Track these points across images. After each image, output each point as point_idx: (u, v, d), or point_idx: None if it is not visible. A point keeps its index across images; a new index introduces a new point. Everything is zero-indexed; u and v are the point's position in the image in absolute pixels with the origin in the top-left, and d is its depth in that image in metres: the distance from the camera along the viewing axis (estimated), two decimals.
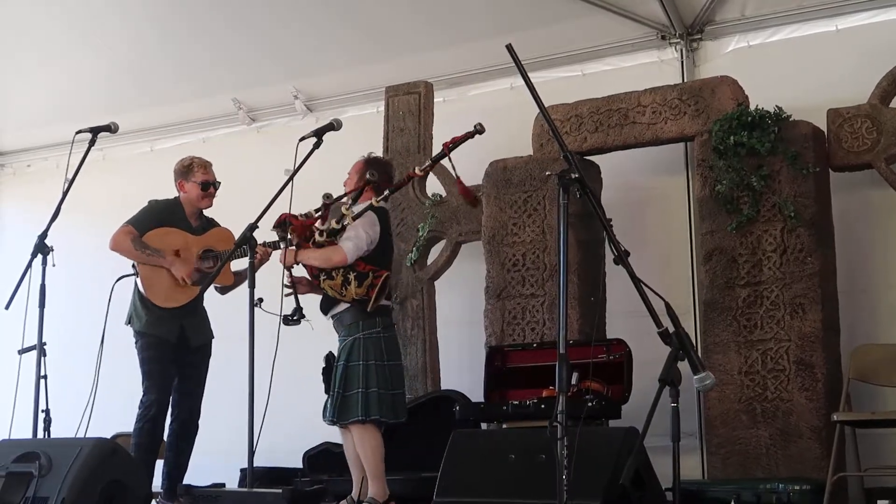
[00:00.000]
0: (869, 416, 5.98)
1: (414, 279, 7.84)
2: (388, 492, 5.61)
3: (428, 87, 8.13)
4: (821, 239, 6.45)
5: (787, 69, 7.16)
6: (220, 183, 6.53)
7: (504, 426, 6.59)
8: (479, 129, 5.93)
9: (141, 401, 6.14)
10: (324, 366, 5.69)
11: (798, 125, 6.58)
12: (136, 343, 6.25)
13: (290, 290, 5.66)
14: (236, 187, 8.33)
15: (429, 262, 7.92)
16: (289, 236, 5.59)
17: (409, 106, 8.11)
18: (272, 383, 5.13)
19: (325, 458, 5.89)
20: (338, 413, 5.55)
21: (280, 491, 4.61)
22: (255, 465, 5.21)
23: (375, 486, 5.57)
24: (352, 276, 5.61)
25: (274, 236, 5.74)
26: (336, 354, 5.71)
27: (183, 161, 6.55)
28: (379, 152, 8.06)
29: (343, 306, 5.69)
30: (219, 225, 6.58)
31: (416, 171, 6.10)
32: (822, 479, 5.85)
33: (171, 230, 6.34)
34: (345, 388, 5.57)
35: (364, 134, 8.16)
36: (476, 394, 6.98)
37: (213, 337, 6.45)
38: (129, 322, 6.29)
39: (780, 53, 7.28)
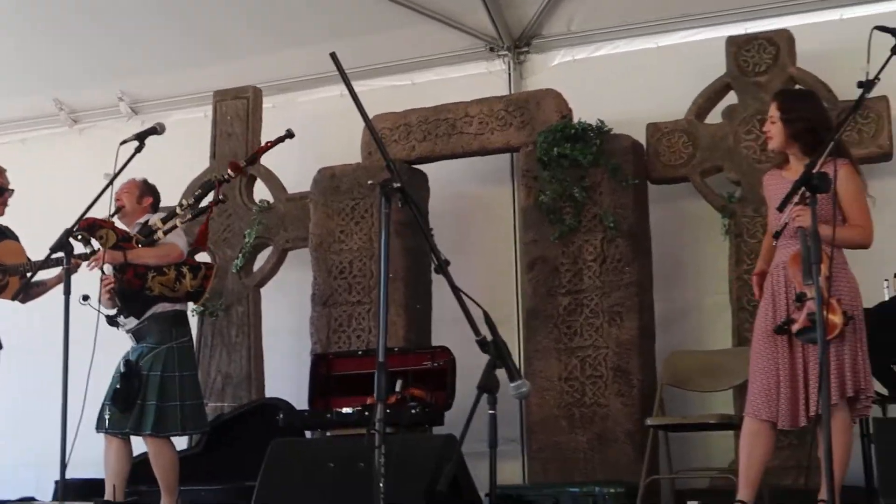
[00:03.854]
0: (680, 420, 6.20)
1: (240, 286, 7.74)
2: None
3: (257, 92, 8.04)
4: (638, 249, 6.66)
5: (610, 84, 7.36)
6: (13, 190, 6.17)
7: (328, 434, 6.57)
8: (289, 134, 6.02)
9: None
10: (124, 372, 5.49)
11: (619, 138, 6.79)
12: None
13: (112, 289, 5.49)
14: (56, 190, 8.08)
15: (255, 268, 7.83)
16: (102, 237, 5.43)
17: (238, 111, 8.01)
18: (87, 393, 4.97)
19: (142, 470, 5.75)
20: (155, 425, 5.40)
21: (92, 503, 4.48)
22: (68, 477, 5.03)
23: (168, 499, 5.46)
24: (185, 270, 5.53)
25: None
26: (136, 361, 5.53)
27: None
28: (206, 157, 7.94)
29: (158, 310, 5.55)
30: (10, 236, 6.24)
31: (229, 173, 6.00)
32: (635, 482, 6.03)
33: None
34: (160, 398, 5.43)
35: (191, 138, 8.03)
36: (301, 401, 6.94)
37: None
38: None
39: (604, 68, 7.48)
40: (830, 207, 4.41)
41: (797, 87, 6.48)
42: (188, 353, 5.60)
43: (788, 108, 4.76)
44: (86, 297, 5.18)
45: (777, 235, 4.67)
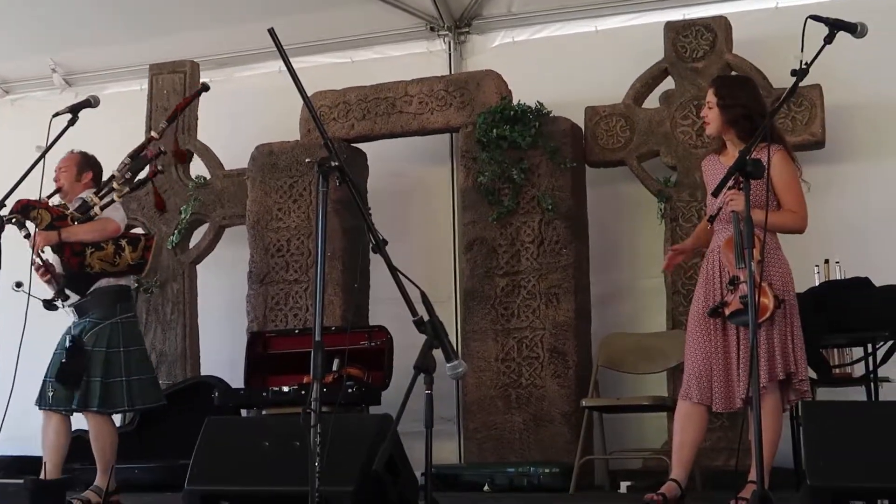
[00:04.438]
0: (614, 401, 6.26)
1: (175, 262, 7.67)
2: (115, 483, 5.44)
3: (194, 66, 7.95)
4: (576, 231, 6.71)
5: (550, 66, 7.39)
6: None
7: (264, 412, 6.55)
8: (204, 88, 5.95)
9: None
10: (69, 347, 5.40)
11: (557, 121, 6.82)
12: None
13: (47, 273, 5.38)
14: None
15: (191, 245, 7.76)
16: (37, 217, 5.31)
17: (174, 85, 7.92)
18: (17, 367, 4.89)
19: (76, 446, 5.68)
20: (102, 402, 5.32)
21: (22, 481, 4.41)
22: (0, 453, 4.96)
23: (102, 478, 5.39)
24: (124, 242, 5.43)
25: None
26: (80, 336, 5.44)
27: None
28: (141, 131, 7.83)
29: (102, 284, 5.46)
30: None
31: (153, 134, 5.94)
32: (570, 462, 6.10)
33: None
34: (105, 374, 5.35)
35: (126, 112, 7.93)
36: (237, 380, 6.90)
37: None
38: None
39: (543, 50, 7.51)
40: (764, 192, 4.47)
41: (733, 73, 6.55)
42: (133, 329, 5.51)
43: (725, 94, 4.80)
44: (19, 284, 5.07)
45: (712, 220, 4.73)
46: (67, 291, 5.36)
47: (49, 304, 5.24)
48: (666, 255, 5.32)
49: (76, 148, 5.73)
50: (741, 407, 4.65)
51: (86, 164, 5.70)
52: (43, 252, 5.33)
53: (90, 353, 5.37)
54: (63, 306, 5.40)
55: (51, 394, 5.34)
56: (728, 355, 4.65)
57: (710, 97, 4.84)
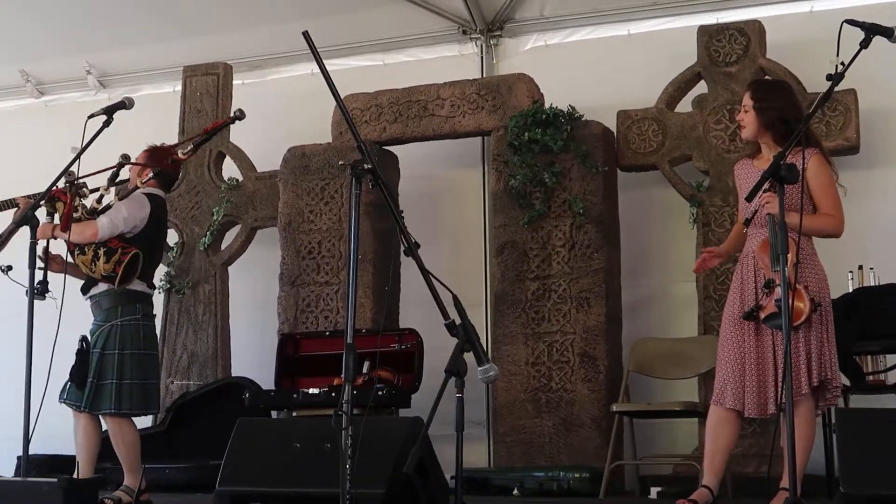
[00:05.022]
0: (645, 406, 6.24)
1: (207, 264, 7.70)
2: (145, 483, 5.46)
3: (227, 68, 7.99)
4: (607, 236, 6.69)
5: (582, 70, 7.38)
6: None
7: (294, 414, 6.56)
8: (238, 116, 5.88)
9: None
10: (79, 348, 5.44)
11: (589, 125, 6.80)
12: None
13: (42, 264, 5.41)
14: (21, 162, 7.98)
15: (223, 246, 7.80)
16: (54, 209, 5.37)
17: (208, 87, 7.96)
18: (52, 366, 4.92)
19: (106, 446, 5.71)
20: (90, 403, 5.36)
21: (56, 480, 4.43)
22: (32, 452, 4.98)
23: (131, 478, 5.43)
24: (101, 252, 5.41)
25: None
26: (90, 338, 5.48)
27: None
28: (175, 132, 7.87)
29: (102, 288, 5.48)
30: None
31: (180, 154, 5.89)
32: (600, 468, 6.07)
33: None
34: (99, 376, 5.38)
35: (159, 113, 7.96)
36: (267, 381, 6.92)
37: None
38: None
39: (576, 54, 7.49)
40: (799, 196, 4.44)
41: (767, 77, 6.51)
42: (134, 332, 5.45)
43: (762, 97, 4.78)
44: (9, 268, 5.10)
45: (748, 223, 4.70)
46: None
47: (34, 292, 5.21)
48: (698, 257, 5.29)
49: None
50: (774, 413, 4.61)
51: (149, 159, 5.70)
52: (46, 243, 5.37)
53: (91, 354, 5.41)
54: (47, 298, 5.37)
55: (67, 389, 5.41)
56: (763, 360, 4.60)
57: (747, 100, 4.81)
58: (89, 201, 5.48)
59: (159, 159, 5.68)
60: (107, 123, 5.43)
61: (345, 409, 3.38)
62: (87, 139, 5.31)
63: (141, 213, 5.51)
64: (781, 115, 4.71)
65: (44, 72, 8.84)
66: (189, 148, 5.82)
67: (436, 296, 3.68)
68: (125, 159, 5.55)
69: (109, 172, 5.61)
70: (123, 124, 5.61)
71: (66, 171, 5.29)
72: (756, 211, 4.59)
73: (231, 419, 5.41)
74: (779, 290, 4.27)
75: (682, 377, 6.40)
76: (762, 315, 4.55)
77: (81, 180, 5.42)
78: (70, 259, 5.54)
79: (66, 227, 5.32)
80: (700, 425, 6.04)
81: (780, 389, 4.48)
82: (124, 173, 5.73)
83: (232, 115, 5.96)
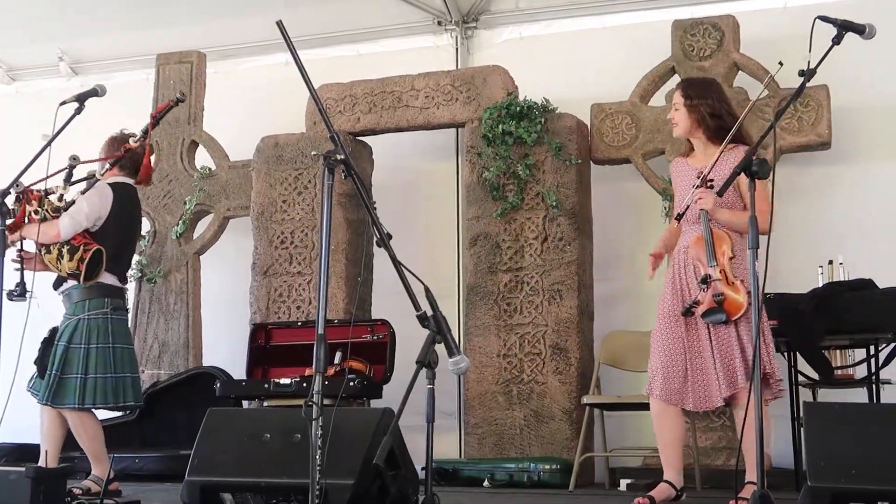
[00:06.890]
0: (616, 399, 6.26)
1: (179, 253, 7.67)
2: (114, 472, 5.43)
3: (201, 56, 7.95)
4: (580, 228, 6.70)
5: (556, 62, 7.37)
6: None
7: (265, 404, 6.55)
8: (180, 99, 5.90)
9: None
10: (45, 337, 5.41)
11: (563, 118, 6.81)
12: None
13: (18, 265, 5.38)
14: None
15: (195, 235, 7.76)
16: (16, 209, 5.31)
17: (181, 75, 7.92)
18: (20, 358, 4.89)
19: (73, 436, 5.69)
20: (52, 396, 5.32)
21: (24, 469, 4.41)
22: (0, 441, 4.96)
23: (99, 468, 5.41)
24: (65, 250, 5.38)
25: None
26: (59, 330, 5.45)
27: None
28: (147, 120, 7.80)
29: (71, 283, 5.46)
30: None
31: (130, 143, 5.82)
32: (570, 459, 6.11)
33: None
34: (63, 370, 5.34)
35: (132, 101, 7.87)
36: (239, 371, 6.91)
37: None
38: None
39: (550, 47, 7.49)
40: (729, 193, 4.51)
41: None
42: (102, 326, 5.41)
43: (692, 94, 4.84)
44: None
45: (679, 218, 4.74)
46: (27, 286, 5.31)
47: (11, 295, 5.17)
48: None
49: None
50: (720, 405, 4.67)
51: (108, 148, 5.66)
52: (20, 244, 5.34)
53: (55, 346, 5.37)
54: (27, 299, 5.34)
55: (32, 380, 5.38)
56: (702, 354, 4.65)
57: (678, 99, 4.89)
58: (55, 198, 5.42)
59: (116, 149, 5.64)
60: (78, 111, 5.39)
61: (315, 399, 3.38)
62: (58, 126, 5.27)
63: (102, 203, 5.45)
64: (712, 111, 4.79)
65: (15, 58, 8.77)
66: (138, 136, 5.75)
67: (407, 287, 3.68)
68: (74, 160, 5.48)
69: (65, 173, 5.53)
70: (95, 111, 5.57)
71: (36, 158, 5.23)
72: (689, 206, 4.65)
73: (202, 409, 5.38)
74: (716, 285, 4.51)
75: None
76: (700, 311, 4.62)
77: (33, 187, 5.36)
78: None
79: (12, 231, 5.25)
80: None
81: (722, 382, 4.56)
82: (93, 168, 5.66)
83: (175, 98, 5.88)
